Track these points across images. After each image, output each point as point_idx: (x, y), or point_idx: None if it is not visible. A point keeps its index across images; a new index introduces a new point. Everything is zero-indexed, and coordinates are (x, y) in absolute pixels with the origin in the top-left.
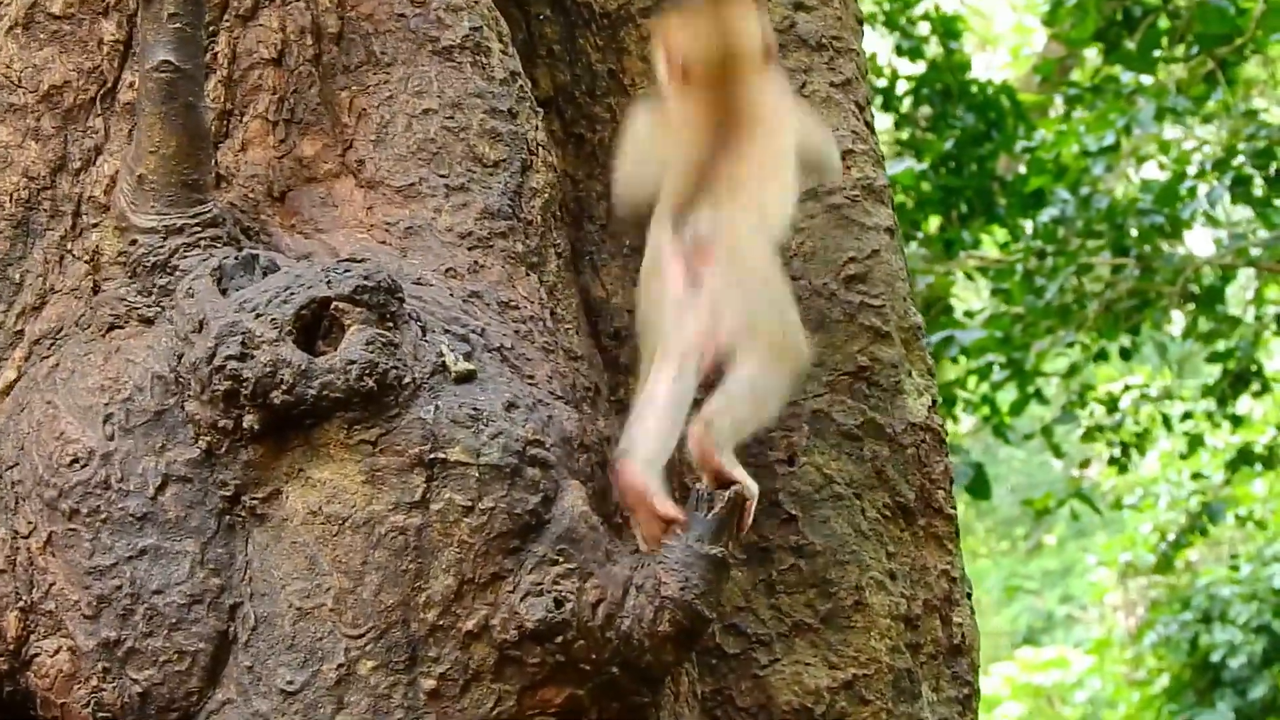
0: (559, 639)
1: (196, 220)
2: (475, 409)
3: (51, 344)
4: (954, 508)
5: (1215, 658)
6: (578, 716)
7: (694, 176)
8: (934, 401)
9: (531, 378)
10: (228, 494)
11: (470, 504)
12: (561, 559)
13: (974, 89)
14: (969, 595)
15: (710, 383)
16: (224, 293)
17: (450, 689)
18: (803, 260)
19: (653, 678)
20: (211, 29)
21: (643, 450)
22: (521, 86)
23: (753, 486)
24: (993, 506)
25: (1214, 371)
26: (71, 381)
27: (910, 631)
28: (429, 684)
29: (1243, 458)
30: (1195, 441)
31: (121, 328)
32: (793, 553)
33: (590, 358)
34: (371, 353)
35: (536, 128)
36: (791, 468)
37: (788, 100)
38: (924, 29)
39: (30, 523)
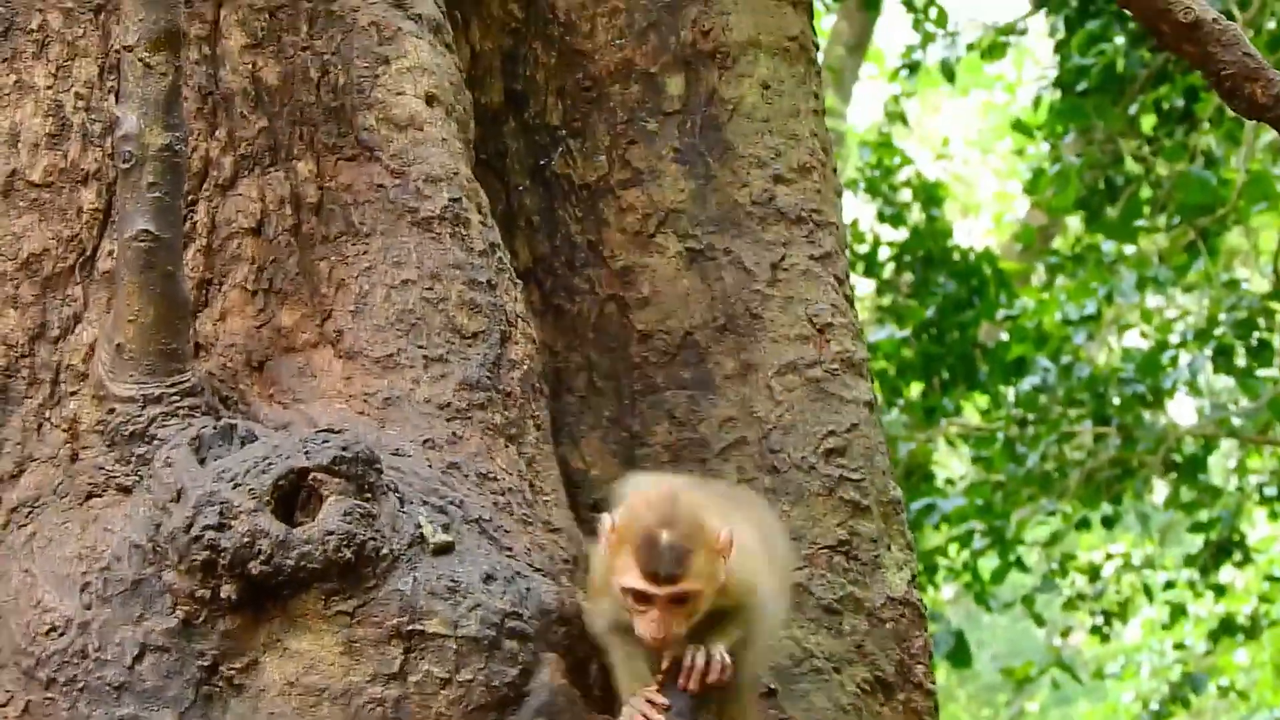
0: None
1: (175, 389)
2: (453, 581)
3: (29, 512)
4: (934, 683)
5: None
6: None
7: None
8: (913, 576)
9: (510, 549)
10: (205, 664)
11: (448, 676)
12: None
13: (956, 255)
14: None
15: None
16: (202, 462)
17: None
18: (782, 433)
19: None
20: (191, 198)
21: None
22: (501, 258)
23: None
24: (975, 673)
25: (1196, 541)
26: (49, 550)
27: None
28: None
29: (1225, 628)
30: (1177, 611)
31: (99, 496)
32: None
33: (569, 529)
34: (350, 524)
35: (516, 299)
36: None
37: None
38: (906, 195)
39: (8, 691)
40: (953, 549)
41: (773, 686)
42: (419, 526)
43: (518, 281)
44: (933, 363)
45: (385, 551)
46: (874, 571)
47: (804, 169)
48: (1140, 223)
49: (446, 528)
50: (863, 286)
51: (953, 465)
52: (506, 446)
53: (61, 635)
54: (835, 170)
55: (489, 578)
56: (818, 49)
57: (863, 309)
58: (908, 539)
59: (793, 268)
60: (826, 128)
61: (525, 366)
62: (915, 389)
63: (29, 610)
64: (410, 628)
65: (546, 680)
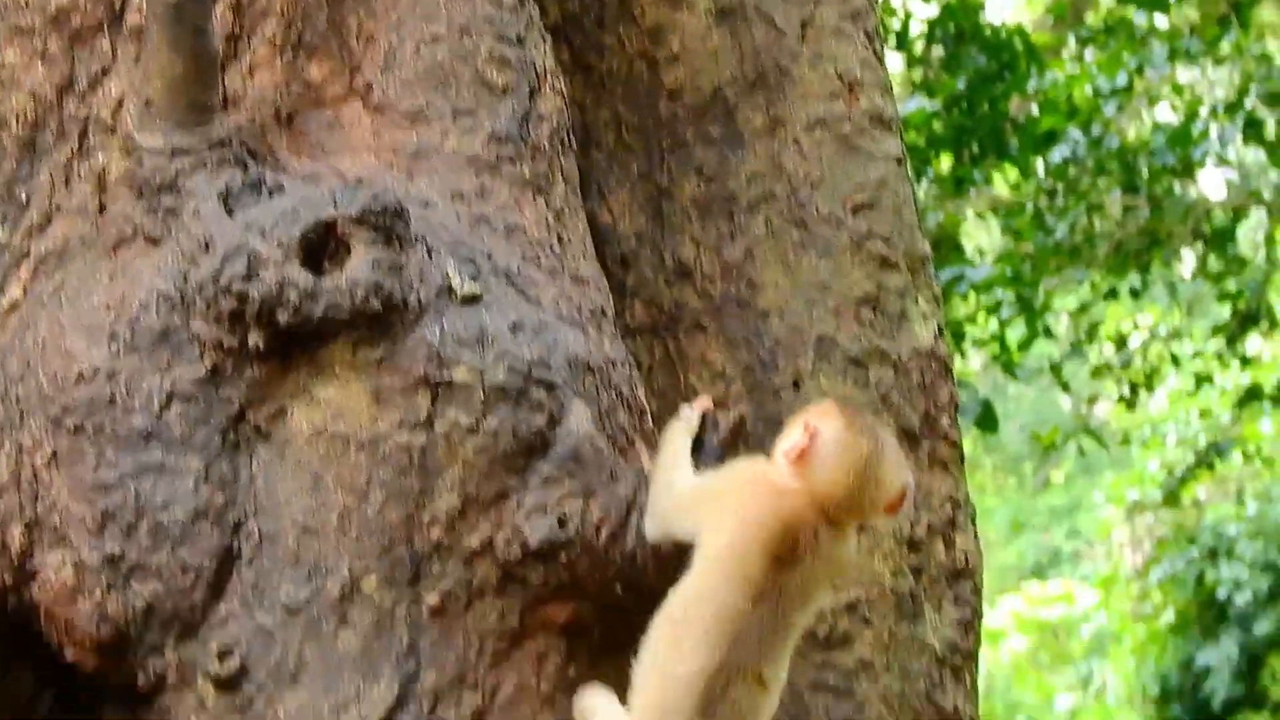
0: (562, 558)
1: (203, 141)
2: (481, 330)
3: (58, 263)
4: (958, 433)
5: (1221, 594)
6: (580, 635)
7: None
8: (940, 328)
9: (537, 300)
10: (233, 412)
11: (475, 423)
12: (566, 479)
13: (987, 31)
14: (973, 519)
15: None
16: (230, 214)
17: (453, 605)
18: (811, 188)
19: (656, 597)
20: None
21: None
22: (530, 13)
23: None
24: (1001, 443)
25: (1223, 311)
26: (77, 300)
27: (914, 554)
28: (432, 601)
29: (1251, 396)
30: (1204, 380)
31: (128, 247)
32: None
33: (596, 281)
34: (377, 274)
35: (545, 54)
36: (797, 392)
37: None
38: None
39: (35, 439)
40: (981, 318)
41: None
42: (446, 277)
43: (547, 36)
44: (963, 135)
45: (413, 301)
46: (900, 324)
47: None
48: None
49: (474, 278)
50: (893, 62)
51: (981, 237)
52: (535, 199)
53: (89, 384)
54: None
55: (516, 327)
56: None
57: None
58: (934, 292)
59: (823, 24)
60: None
61: (554, 121)
62: (945, 161)
63: (56, 359)
64: (437, 376)
65: (573, 428)
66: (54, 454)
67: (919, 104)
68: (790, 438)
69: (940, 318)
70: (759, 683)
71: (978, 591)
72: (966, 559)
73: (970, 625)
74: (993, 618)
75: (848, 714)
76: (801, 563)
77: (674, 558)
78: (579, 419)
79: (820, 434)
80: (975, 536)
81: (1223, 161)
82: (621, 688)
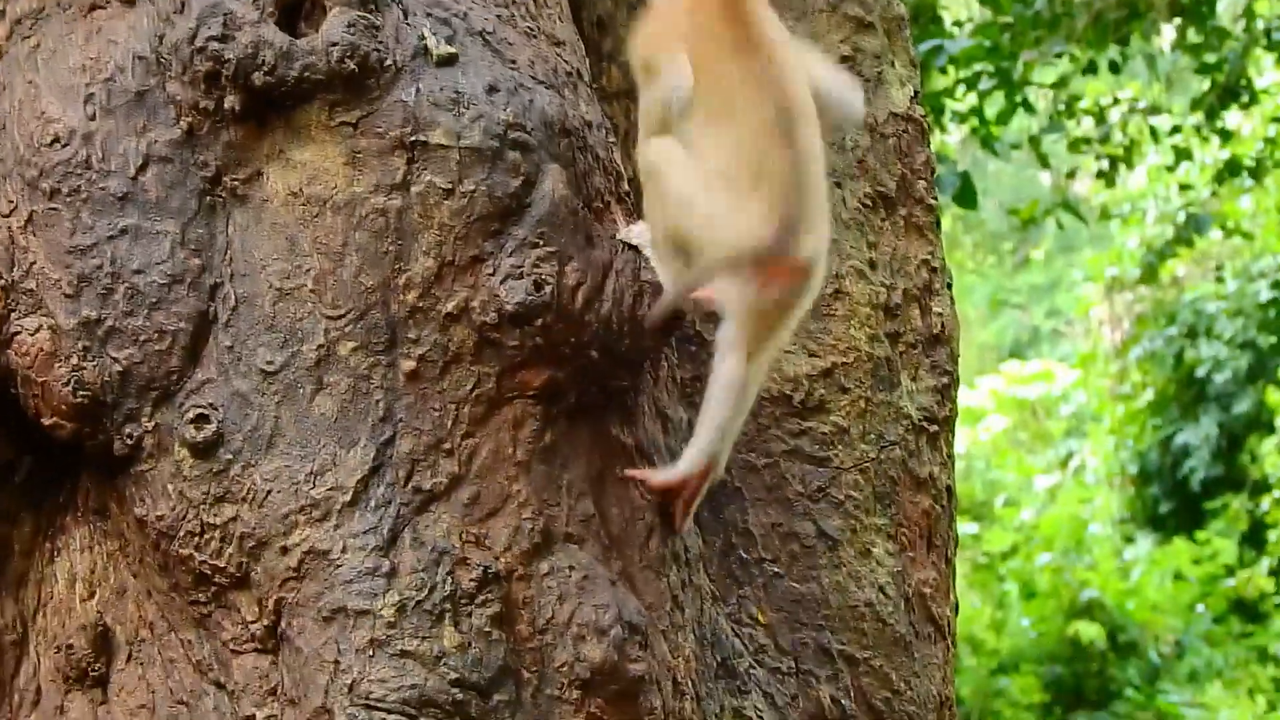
0: (538, 321)
1: None
2: (456, 92)
3: (33, 24)
4: (935, 198)
5: (1200, 372)
6: (556, 399)
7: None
8: (916, 92)
9: (513, 62)
10: (208, 175)
11: (450, 186)
12: (541, 242)
13: None
14: (949, 285)
15: None
16: None
17: (429, 370)
18: None
19: (632, 362)
20: None
21: None
22: None
23: None
24: (980, 220)
25: (1203, 85)
26: (52, 61)
27: (890, 320)
28: (408, 365)
29: (1230, 171)
30: (1183, 154)
31: (103, 8)
32: None
33: (573, 43)
34: (353, 35)
35: None
36: None
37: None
38: None
39: (11, 202)
40: (960, 91)
41: None
42: (422, 38)
43: None
44: None
45: (388, 63)
46: (877, 87)
47: None
48: None
49: (450, 39)
50: None
51: (959, 9)
52: None
53: (65, 146)
54: None
55: (492, 89)
56: None
57: None
58: (911, 56)
59: None
60: None
61: None
62: None
63: (32, 121)
64: (413, 138)
65: (549, 191)
66: (30, 217)
67: None
68: None
69: (917, 82)
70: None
71: (954, 358)
72: (943, 324)
73: (946, 392)
74: (972, 397)
75: (823, 481)
76: None
77: (649, 322)
78: (555, 182)
79: None
80: (951, 302)
81: None
82: (596, 451)
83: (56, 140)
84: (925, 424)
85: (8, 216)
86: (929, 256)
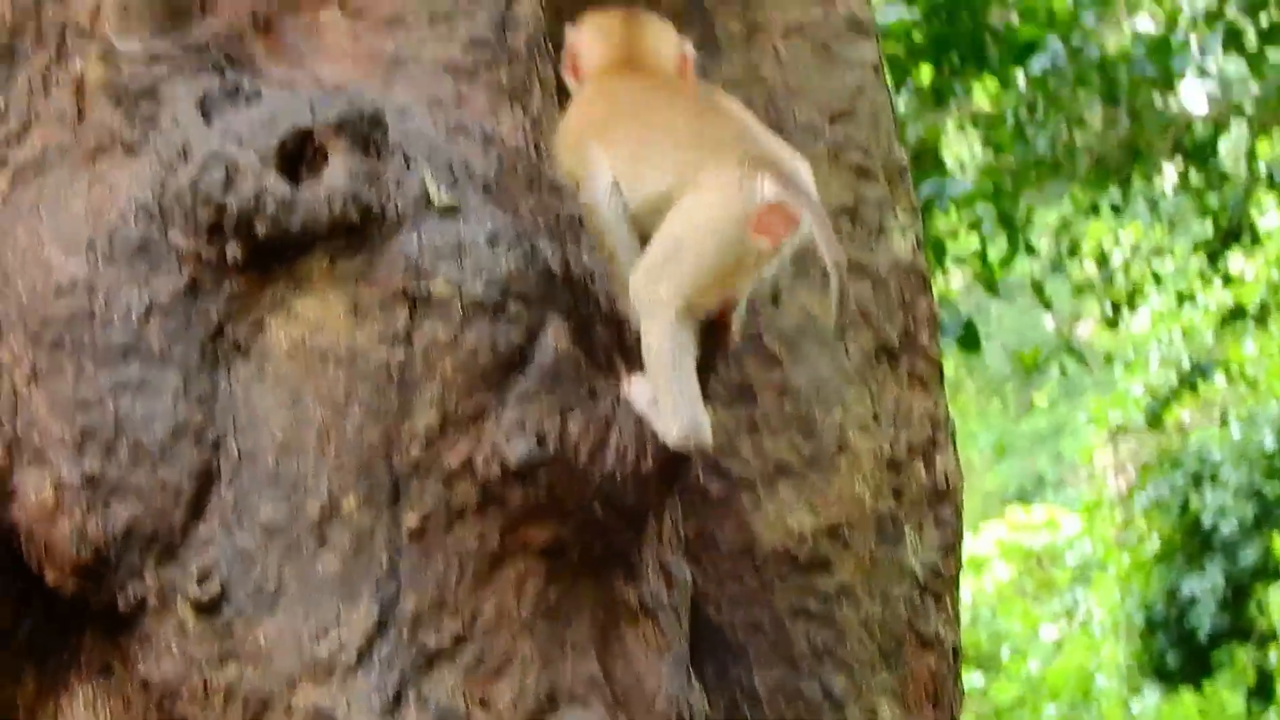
0: (542, 477)
1: (181, 48)
2: (459, 242)
3: (35, 172)
4: (938, 349)
5: (1206, 521)
6: (560, 555)
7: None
8: (918, 241)
9: (516, 211)
10: (211, 326)
11: (453, 338)
12: (545, 395)
13: None
14: (953, 439)
15: None
16: (208, 121)
17: (433, 527)
18: (787, 96)
19: (636, 517)
20: None
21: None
22: None
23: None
24: (983, 365)
25: (1205, 227)
26: (56, 210)
27: (894, 475)
28: (412, 522)
29: (1234, 315)
30: (1185, 298)
31: (106, 155)
32: (776, 393)
33: (573, 191)
34: (355, 183)
35: None
36: (775, 307)
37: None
38: None
39: (15, 353)
40: (962, 234)
41: (776, 351)
42: (424, 186)
43: None
44: (943, 45)
45: (390, 211)
46: (879, 236)
47: None
48: None
49: (452, 188)
50: None
51: (962, 150)
52: (513, 107)
53: (68, 296)
54: None
55: (494, 239)
56: None
57: None
58: (913, 203)
59: None
60: None
61: (531, 26)
62: (925, 72)
63: (35, 270)
64: (415, 289)
65: (550, 343)
66: (34, 369)
67: (899, 14)
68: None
69: (919, 230)
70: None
71: (959, 513)
72: (947, 479)
73: (952, 549)
74: (976, 545)
75: (828, 640)
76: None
77: (654, 477)
78: (557, 334)
79: (576, 38)
80: (956, 456)
81: (1203, 73)
82: (600, 609)
83: (59, 290)
84: (930, 581)
85: (11, 369)
86: (933, 409)
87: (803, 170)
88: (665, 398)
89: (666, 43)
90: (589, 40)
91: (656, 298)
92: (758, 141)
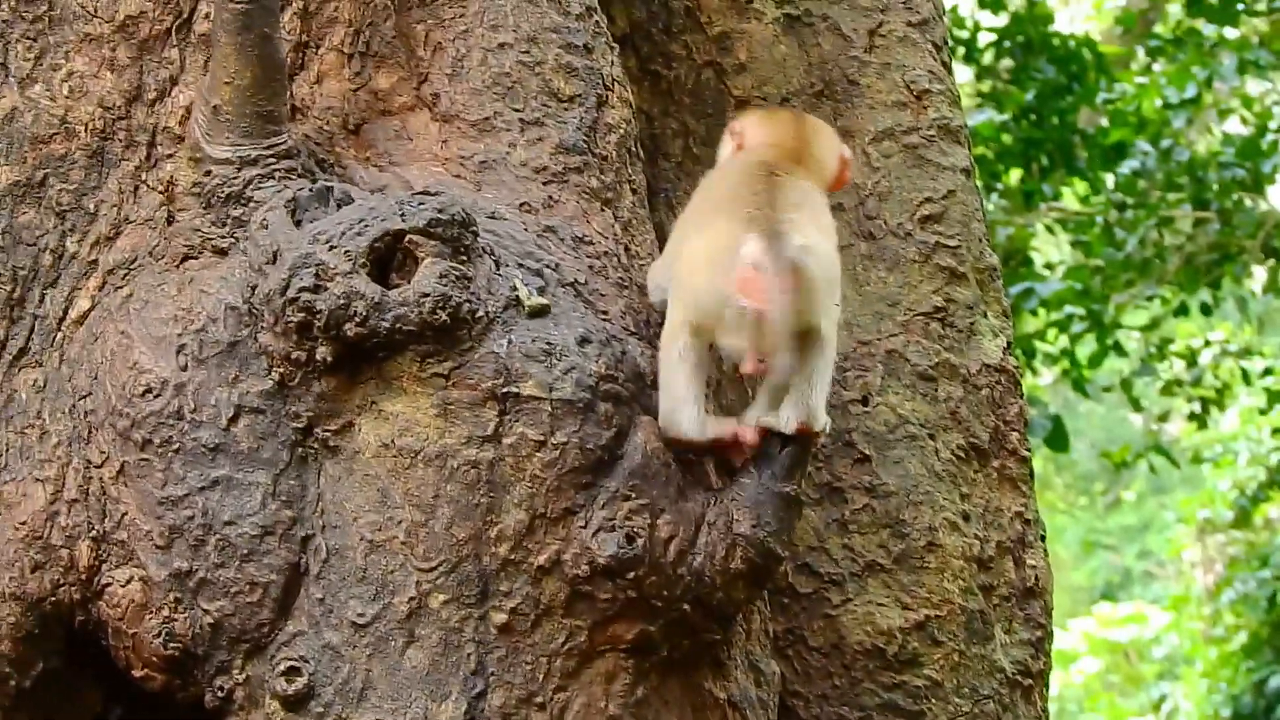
0: (630, 575)
1: (271, 152)
2: (548, 343)
3: (126, 274)
4: (1028, 449)
5: None
6: (649, 652)
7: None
8: (1009, 343)
9: (605, 313)
10: (300, 426)
11: (543, 438)
12: (634, 495)
13: (1056, 41)
14: (1043, 537)
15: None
16: (298, 224)
17: (521, 623)
18: (878, 200)
19: (724, 615)
20: None
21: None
22: (598, 22)
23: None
24: (1071, 461)
25: None
26: (145, 312)
27: (983, 573)
28: (500, 618)
29: None
30: (1275, 397)
31: (195, 258)
32: (866, 493)
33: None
34: (445, 286)
35: (612, 63)
36: (866, 408)
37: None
38: None
39: (103, 452)
40: (1051, 334)
41: (866, 452)
42: (514, 289)
43: (614, 46)
44: (1032, 148)
45: (480, 314)
46: (970, 338)
47: None
48: (1241, 6)
49: (542, 290)
50: (962, 73)
51: (1051, 252)
52: (602, 210)
53: (157, 397)
54: None
55: (584, 340)
56: None
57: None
58: (1003, 305)
59: (890, 34)
60: None
61: (621, 130)
62: (1014, 174)
63: (125, 372)
64: (505, 390)
65: (640, 443)
66: (122, 468)
67: (988, 116)
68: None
69: (1009, 331)
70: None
71: (1048, 611)
72: (1037, 578)
73: (1040, 646)
74: (1064, 639)
75: None
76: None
77: (743, 576)
78: (647, 434)
79: (745, 122)
80: (1045, 555)
81: None
82: (689, 705)
83: (149, 391)
84: (1019, 678)
85: (99, 467)
86: (1022, 509)
87: (819, 250)
88: (661, 394)
89: (828, 141)
90: (756, 124)
91: (670, 315)
92: (780, 214)
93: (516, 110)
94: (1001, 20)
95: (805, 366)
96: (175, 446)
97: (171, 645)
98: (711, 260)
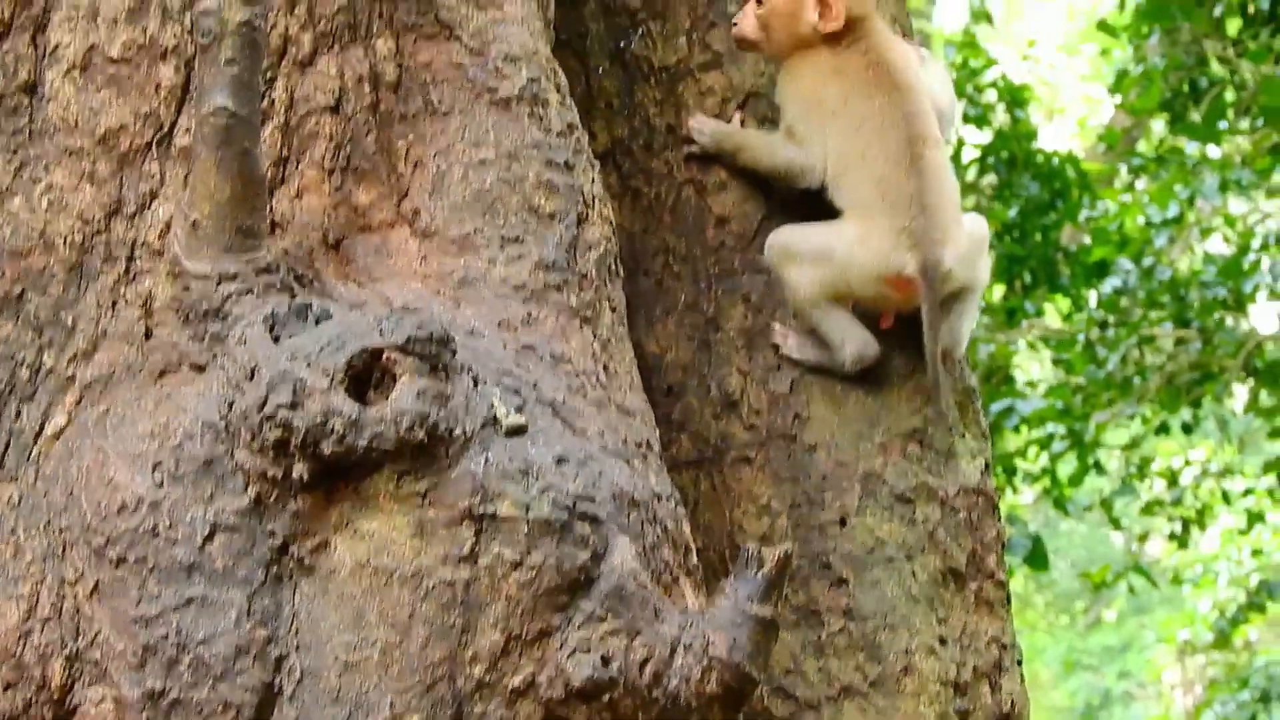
0: (606, 697)
1: (250, 267)
2: (526, 463)
3: (103, 389)
4: (1005, 573)
5: None
6: None
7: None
8: (987, 464)
9: (583, 432)
10: (276, 544)
11: (519, 559)
12: (610, 616)
13: (1040, 158)
14: (1019, 662)
15: None
16: (276, 340)
17: None
18: None
19: None
20: (269, 75)
21: None
22: (579, 139)
23: None
24: (1052, 580)
25: (1276, 448)
26: (122, 428)
27: (959, 697)
28: None
29: None
30: (1256, 518)
31: (173, 374)
32: (843, 615)
33: (643, 413)
34: (423, 404)
35: (593, 180)
36: (843, 529)
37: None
38: (991, 97)
39: (77, 570)
40: (1031, 452)
41: (843, 574)
42: (492, 407)
43: (595, 163)
44: (1015, 265)
45: (458, 432)
46: (948, 460)
47: None
48: (1224, 125)
49: (520, 409)
50: None
51: (1033, 369)
52: (582, 328)
53: (133, 513)
54: (920, 58)
55: (562, 460)
56: None
57: None
58: (982, 428)
59: None
60: (907, 13)
61: (602, 248)
62: (997, 291)
63: (100, 488)
64: (482, 509)
65: (617, 564)
66: (96, 586)
67: None
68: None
69: (988, 453)
70: (940, 144)
71: None
72: (1013, 703)
73: None
74: None
75: None
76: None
77: (719, 699)
78: (623, 555)
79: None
80: (1021, 680)
81: (1274, 295)
82: None
83: (124, 507)
84: None
85: (74, 584)
86: (999, 633)
87: (961, 238)
88: (826, 338)
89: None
90: None
91: (793, 278)
92: (929, 194)
93: (497, 227)
94: (985, 136)
95: (956, 306)
96: (150, 564)
97: None
98: (869, 259)
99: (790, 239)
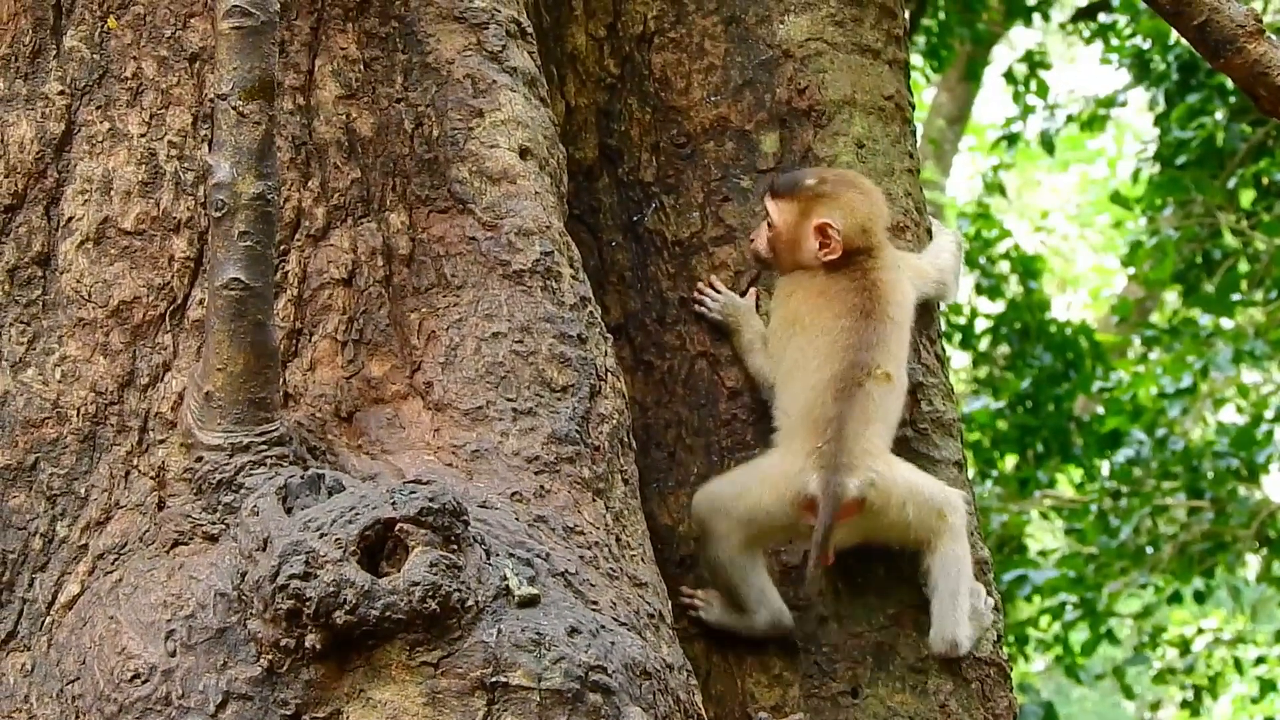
0: None
1: (263, 439)
2: (538, 633)
3: (115, 559)
4: None
5: None
6: None
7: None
8: (999, 636)
9: (595, 603)
10: (288, 713)
11: None
12: None
13: (1053, 329)
14: None
15: None
16: (289, 512)
17: None
18: None
19: None
20: (282, 248)
21: None
22: (591, 312)
23: None
24: None
25: None
26: (134, 597)
27: None
28: None
29: None
30: (1268, 686)
31: (185, 544)
32: None
33: (655, 584)
34: (435, 575)
35: (606, 353)
36: (855, 700)
37: (908, 262)
38: (1004, 268)
39: None
40: (1044, 620)
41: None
42: (504, 579)
43: (608, 336)
44: (1027, 435)
45: (470, 603)
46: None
47: (898, 228)
48: (1237, 297)
49: (532, 580)
50: (959, 359)
51: (1046, 538)
52: (594, 500)
53: (145, 682)
54: (930, 231)
55: (574, 631)
56: (913, 109)
57: (959, 381)
58: (995, 599)
59: None
60: (921, 188)
61: (614, 421)
62: (1009, 461)
63: (113, 657)
64: (494, 679)
65: None
66: None
67: (984, 403)
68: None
69: (1000, 624)
70: (887, 378)
71: None
72: None
73: None
74: None
75: None
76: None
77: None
78: None
79: (829, 224)
80: None
81: None
82: None
83: (137, 676)
84: None
85: None
86: None
87: (886, 473)
88: (744, 602)
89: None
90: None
91: (719, 530)
92: (854, 436)
93: (509, 400)
94: (998, 307)
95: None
96: None
97: None
98: (780, 481)
99: (712, 488)
